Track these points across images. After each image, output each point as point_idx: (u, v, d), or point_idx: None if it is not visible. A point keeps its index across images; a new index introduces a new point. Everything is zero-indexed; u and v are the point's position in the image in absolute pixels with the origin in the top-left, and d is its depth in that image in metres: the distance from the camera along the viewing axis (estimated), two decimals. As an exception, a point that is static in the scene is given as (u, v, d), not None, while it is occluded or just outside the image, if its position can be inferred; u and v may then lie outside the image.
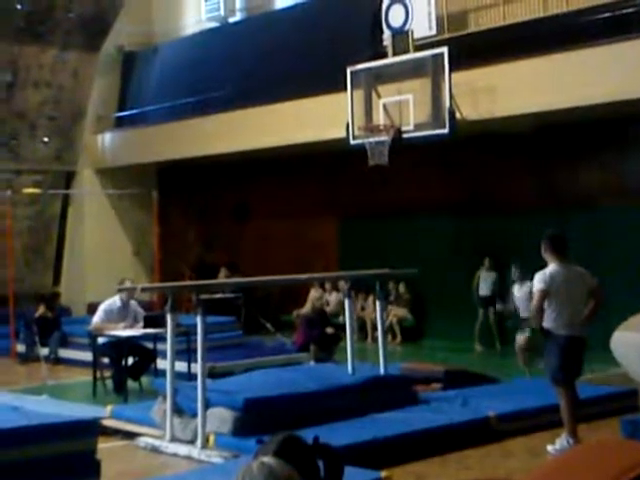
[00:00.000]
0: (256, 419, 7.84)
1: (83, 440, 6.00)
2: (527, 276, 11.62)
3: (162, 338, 10.11)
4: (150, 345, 11.57)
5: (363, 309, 16.07)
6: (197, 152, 17.08)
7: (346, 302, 10.09)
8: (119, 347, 11.26)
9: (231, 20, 18.55)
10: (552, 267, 7.66)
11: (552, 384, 7.86)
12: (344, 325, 10.32)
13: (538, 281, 7.61)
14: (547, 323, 7.63)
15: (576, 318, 7.67)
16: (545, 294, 7.53)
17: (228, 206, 19.51)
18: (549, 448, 7.71)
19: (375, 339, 13.58)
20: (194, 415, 8.02)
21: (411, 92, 12.90)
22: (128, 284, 11.61)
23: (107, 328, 11.42)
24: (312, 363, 12.26)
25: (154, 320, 11.28)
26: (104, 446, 6.77)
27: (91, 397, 10.95)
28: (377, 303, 10.11)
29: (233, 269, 17.50)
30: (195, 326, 8.19)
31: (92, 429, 6.17)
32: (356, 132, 13.54)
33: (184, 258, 18.97)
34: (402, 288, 16.00)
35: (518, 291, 13.12)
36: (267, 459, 2.44)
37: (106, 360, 11.48)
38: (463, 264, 14.87)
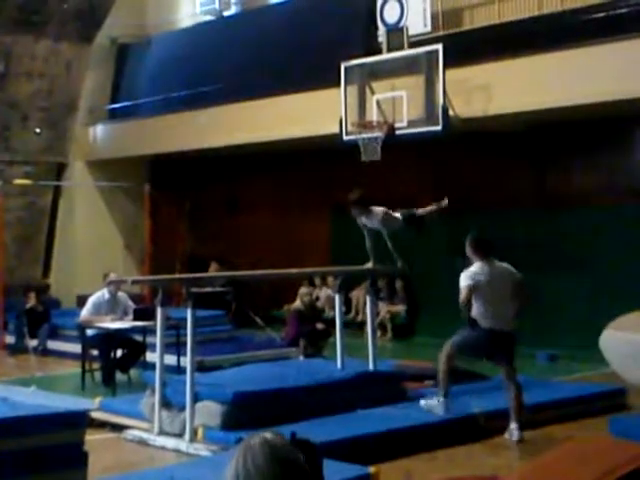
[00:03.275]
0: (245, 413, 7.84)
1: (71, 432, 5.97)
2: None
3: (151, 331, 10.10)
4: (139, 338, 11.55)
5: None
6: (189, 145, 17.05)
7: (336, 297, 10.07)
8: (108, 339, 11.24)
9: (226, 14, 18.50)
10: (477, 265, 8.16)
11: (448, 345, 8.22)
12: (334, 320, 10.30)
13: (464, 278, 8.07)
14: (475, 315, 8.08)
15: (500, 312, 8.07)
16: (471, 289, 8.00)
17: (220, 200, 19.48)
18: (422, 402, 8.30)
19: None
20: (182, 408, 8.01)
21: (405, 89, 12.89)
22: (113, 277, 11.59)
23: (96, 320, 11.40)
24: (301, 358, 12.26)
25: (144, 313, 11.26)
26: (92, 438, 6.74)
27: (80, 389, 10.92)
28: (367, 299, 10.10)
29: (224, 263, 17.47)
30: (185, 319, 8.18)
31: (80, 421, 6.14)
32: (349, 128, 13.52)
33: (175, 251, 18.94)
34: (398, 285, 16.02)
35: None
36: (269, 435, 2.41)
37: (95, 352, 11.46)
38: (456, 261, 14.86)
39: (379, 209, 9.18)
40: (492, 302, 8.04)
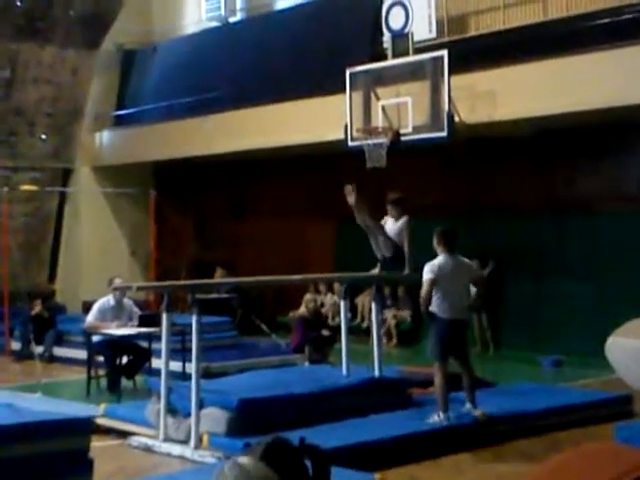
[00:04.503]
0: (250, 420, 7.82)
1: (76, 438, 5.97)
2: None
3: (157, 337, 10.09)
4: (145, 344, 11.54)
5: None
6: (195, 152, 17.07)
7: (341, 304, 10.07)
8: (113, 346, 11.24)
9: (231, 20, 18.53)
10: (441, 258, 8.44)
11: (432, 360, 8.54)
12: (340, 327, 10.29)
13: (427, 271, 8.32)
14: (433, 307, 8.36)
15: (458, 303, 8.41)
16: (433, 282, 8.27)
17: (225, 206, 19.49)
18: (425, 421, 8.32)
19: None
20: (188, 415, 8.00)
21: (410, 95, 12.89)
22: (118, 282, 11.59)
23: (101, 327, 11.40)
24: (307, 364, 12.24)
25: (149, 319, 11.26)
26: (97, 445, 6.74)
27: (85, 395, 10.91)
28: (373, 305, 10.09)
29: (229, 269, 17.47)
30: (190, 326, 8.17)
31: (85, 427, 6.14)
32: (354, 134, 13.53)
33: (180, 257, 18.95)
34: (401, 291, 16.01)
35: None
36: (241, 459, 2.43)
37: (100, 358, 11.46)
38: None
39: (405, 216, 9.30)
40: (451, 294, 8.35)
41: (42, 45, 18.13)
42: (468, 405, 8.52)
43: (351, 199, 9.21)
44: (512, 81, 12.47)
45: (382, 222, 9.53)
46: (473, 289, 8.82)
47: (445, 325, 8.37)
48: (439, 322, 8.39)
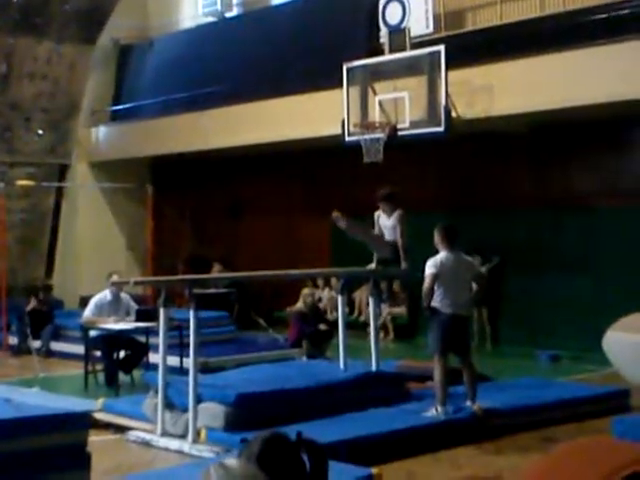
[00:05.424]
0: (248, 414, 7.83)
1: (74, 433, 5.96)
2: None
3: (154, 332, 10.10)
4: (142, 339, 11.55)
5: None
6: (192, 147, 17.06)
7: (339, 299, 10.07)
8: (111, 340, 11.25)
9: (228, 15, 18.52)
10: (442, 254, 8.49)
11: (432, 354, 8.57)
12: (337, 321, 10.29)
13: (430, 266, 8.41)
14: (434, 302, 8.43)
15: (459, 299, 8.47)
16: (435, 277, 8.36)
17: (222, 201, 19.48)
18: (422, 414, 8.34)
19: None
20: (185, 409, 8.01)
21: (407, 90, 12.89)
22: (115, 277, 11.59)
23: (98, 321, 11.41)
24: (304, 359, 12.25)
25: (146, 314, 11.26)
26: (95, 439, 6.74)
27: (83, 390, 10.92)
28: (370, 300, 10.10)
29: (226, 264, 17.48)
30: (187, 320, 8.17)
31: (83, 422, 6.13)
32: (351, 129, 13.53)
33: (177, 253, 18.95)
34: (396, 287, 16.00)
35: None
36: (228, 461, 2.44)
37: (98, 353, 11.46)
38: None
39: (398, 211, 9.33)
40: (452, 289, 8.42)
41: (38, 40, 18.11)
42: (468, 402, 8.52)
43: (342, 224, 9.35)
44: (509, 76, 12.47)
45: (375, 216, 9.53)
46: (474, 286, 8.81)
47: (447, 320, 8.39)
48: (441, 317, 8.40)
